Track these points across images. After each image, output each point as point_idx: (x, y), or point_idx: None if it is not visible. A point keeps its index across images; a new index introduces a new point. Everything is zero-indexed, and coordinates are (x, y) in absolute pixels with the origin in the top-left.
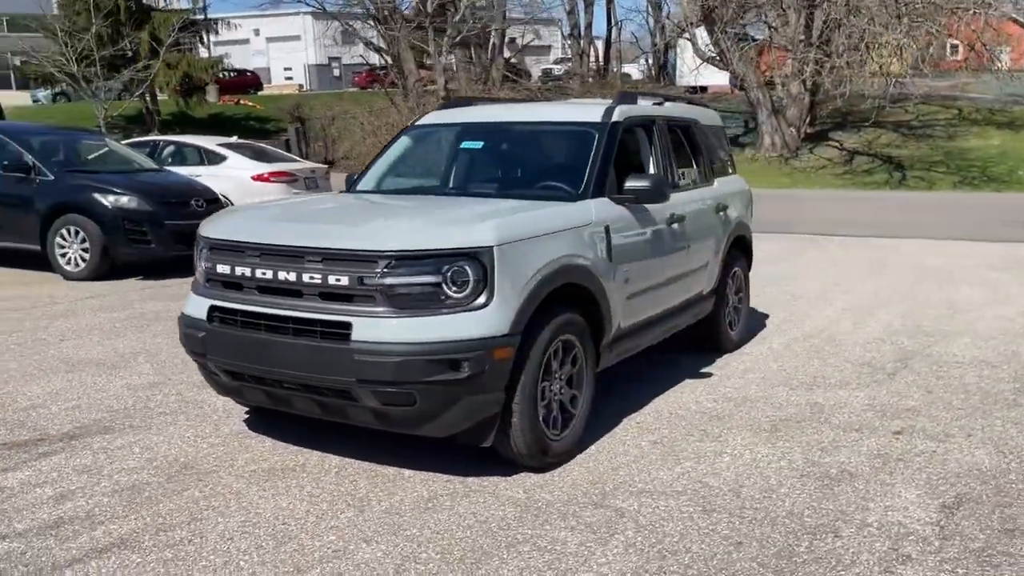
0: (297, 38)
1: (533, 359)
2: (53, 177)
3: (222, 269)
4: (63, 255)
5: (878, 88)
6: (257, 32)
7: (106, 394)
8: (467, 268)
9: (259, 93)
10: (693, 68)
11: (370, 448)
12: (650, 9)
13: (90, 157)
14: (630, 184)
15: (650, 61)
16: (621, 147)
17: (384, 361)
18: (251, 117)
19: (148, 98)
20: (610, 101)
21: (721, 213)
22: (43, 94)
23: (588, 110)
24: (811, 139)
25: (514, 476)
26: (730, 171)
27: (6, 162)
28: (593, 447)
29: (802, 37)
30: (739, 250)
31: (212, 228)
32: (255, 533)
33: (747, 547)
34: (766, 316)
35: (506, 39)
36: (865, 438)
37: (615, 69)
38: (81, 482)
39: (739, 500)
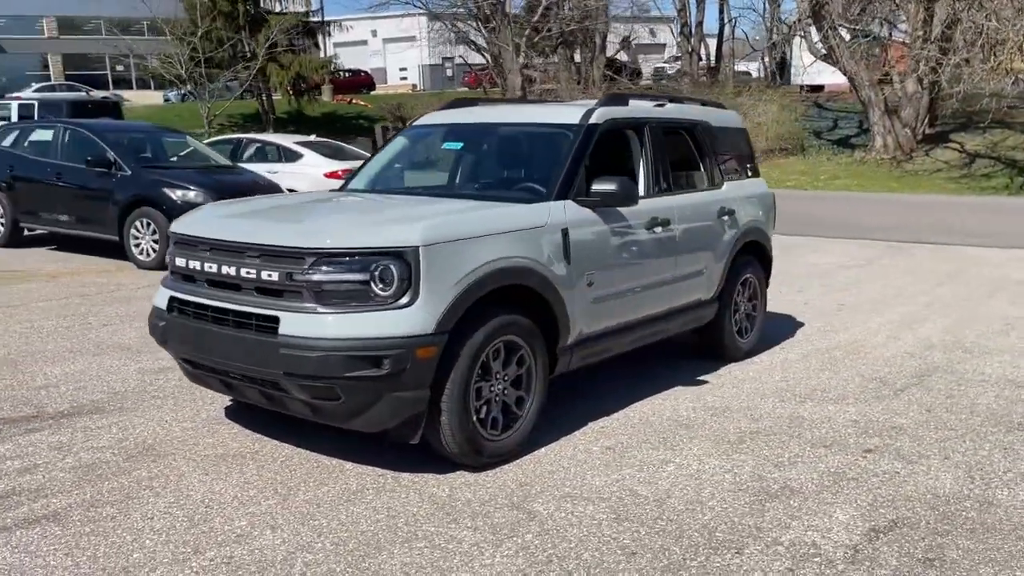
0: (412, 39)
1: (463, 359)
2: (130, 172)
3: (179, 262)
4: (136, 245)
5: (1000, 86)
6: (375, 33)
7: (115, 377)
8: (392, 267)
9: (372, 93)
10: (807, 66)
11: (332, 440)
12: (767, 4)
13: (168, 154)
14: (596, 187)
15: (766, 59)
16: (602, 149)
17: (306, 355)
18: (361, 116)
19: (264, 98)
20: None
21: (726, 218)
22: (173, 94)
23: (570, 112)
24: (930, 140)
25: (448, 474)
26: (748, 174)
27: (90, 158)
28: (544, 449)
29: (920, 33)
30: (752, 256)
31: (179, 223)
32: (175, 514)
33: (639, 558)
34: (801, 325)
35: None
36: (831, 455)
37: (728, 67)
38: (49, 457)
39: (659, 511)
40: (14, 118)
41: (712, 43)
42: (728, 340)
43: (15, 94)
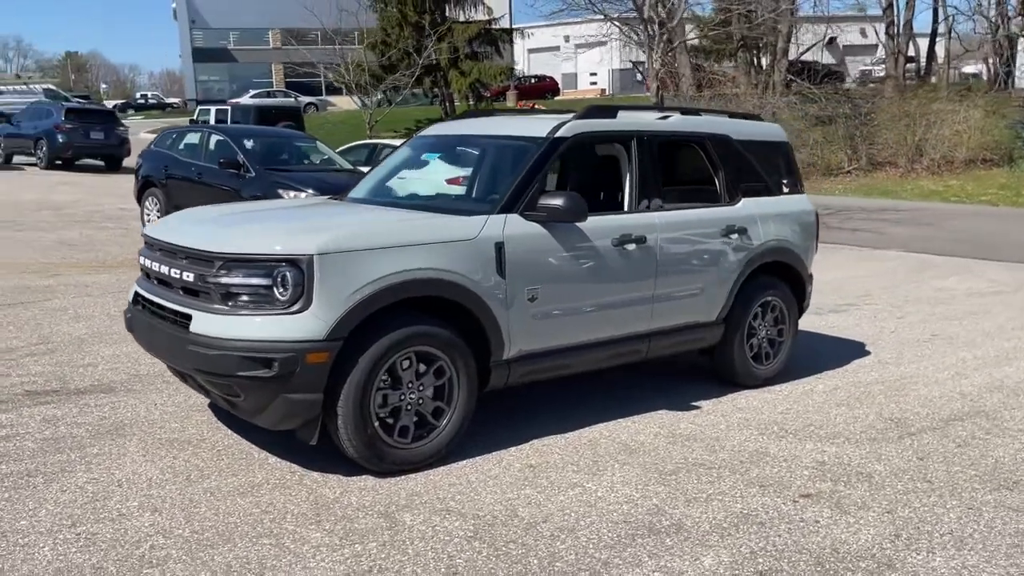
0: (603, 43)
1: (360, 366)
2: (254, 173)
3: (142, 261)
4: None
5: None
6: (567, 39)
7: (146, 361)
8: (288, 274)
9: (556, 98)
10: None
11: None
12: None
13: (297, 158)
14: (542, 202)
15: (990, 60)
16: (574, 163)
17: (208, 353)
18: None
19: (446, 104)
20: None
21: (735, 236)
22: (370, 100)
23: (543, 125)
24: None
25: (353, 477)
26: (783, 190)
27: (222, 160)
28: (466, 461)
29: None
30: (775, 277)
31: (149, 227)
32: (86, 489)
33: None
34: (866, 354)
35: (816, 37)
36: (758, 496)
37: (941, 70)
38: (33, 428)
39: (521, 534)
40: (212, 122)
41: (924, 43)
42: (740, 366)
43: (234, 99)
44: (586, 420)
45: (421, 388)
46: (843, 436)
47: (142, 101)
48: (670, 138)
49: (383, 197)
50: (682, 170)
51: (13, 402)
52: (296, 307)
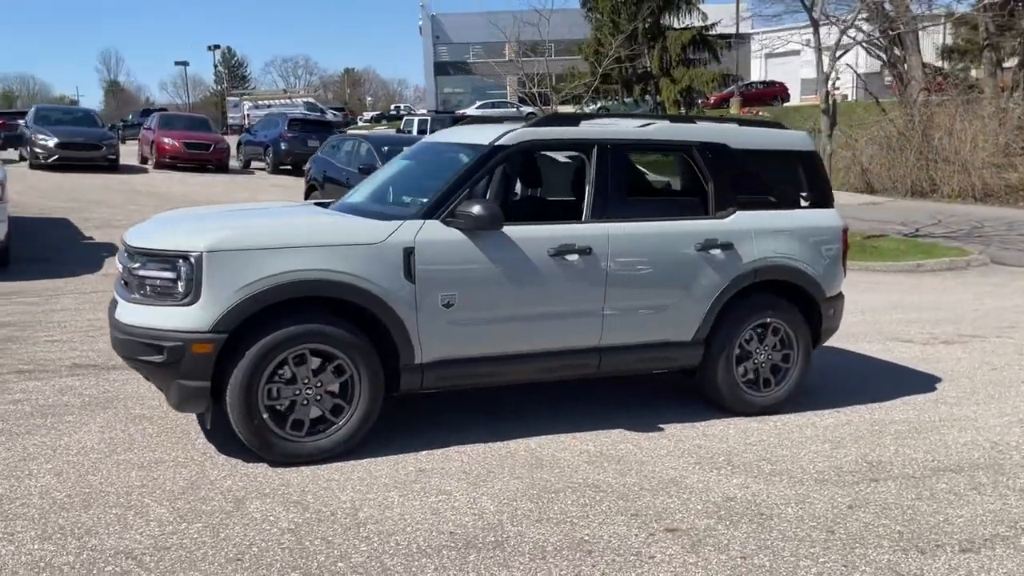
0: (848, 48)
1: (247, 359)
2: None
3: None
4: None
5: None
6: (808, 43)
7: None
8: (183, 269)
9: (784, 104)
10: None
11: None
12: None
13: None
14: (460, 209)
15: None
16: (519, 171)
17: (119, 336)
18: None
19: (659, 112)
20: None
21: (716, 251)
22: (589, 109)
23: (493, 132)
24: None
25: (250, 464)
26: (798, 203)
27: (361, 165)
28: (363, 460)
29: None
30: (779, 297)
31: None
32: (25, 448)
33: (240, 563)
34: (931, 390)
35: None
36: (620, 525)
37: None
38: (43, 395)
39: (338, 531)
40: (414, 131)
41: None
42: (727, 391)
43: (462, 110)
44: (525, 431)
45: (319, 385)
46: (790, 474)
47: (394, 112)
48: (644, 146)
49: (358, 200)
50: (661, 180)
51: (53, 372)
52: (187, 300)
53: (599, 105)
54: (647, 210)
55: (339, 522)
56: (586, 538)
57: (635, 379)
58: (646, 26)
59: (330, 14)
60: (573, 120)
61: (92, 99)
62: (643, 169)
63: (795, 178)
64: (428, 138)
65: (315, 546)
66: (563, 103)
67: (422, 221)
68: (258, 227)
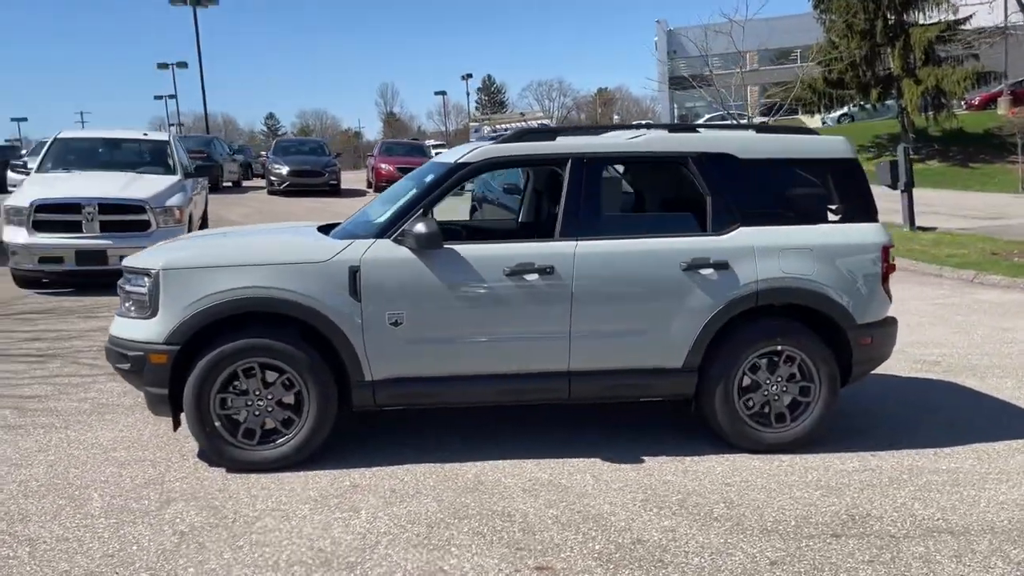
0: None
1: (197, 370)
2: None
3: None
4: None
5: None
6: None
7: None
8: (147, 285)
9: None
10: None
11: None
12: None
13: None
14: (407, 227)
15: None
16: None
17: (106, 346)
18: (993, 133)
19: (903, 117)
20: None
21: (708, 271)
22: (831, 116)
23: (467, 150)
24: None
25: (201, 467)
26: (824, 217)
27: (505, 184)
28: (306, 472)
29: None
30: (796, 322)
31: None
32: (44, 445)
33: (72, 569)
34: (1018, 438)
35: None
36: (487, 560)
37: None
38: (110, 396)
39: (177, 535)
40: None
41: None
42: (727, 425)
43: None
44: (490, 454)
45: (270, 397)
46: (737, 521)
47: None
48: (628, 159)
49: (355, 220)
50: (651, 194)
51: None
52: (148, 314)
53: (841, 112)
54: (628, 227)
55: (229, 528)
56: (445, 568)
57: (648, 405)
58: (887, 24)
59: (586, 34)
60: (548, 135)
61: (372, 129)
62: (631, 186)
63: (822, 189)
64: (437, 157)
65: (186, 550)
66: (791, 112)
67: (373, 240)
68: (216, 247)
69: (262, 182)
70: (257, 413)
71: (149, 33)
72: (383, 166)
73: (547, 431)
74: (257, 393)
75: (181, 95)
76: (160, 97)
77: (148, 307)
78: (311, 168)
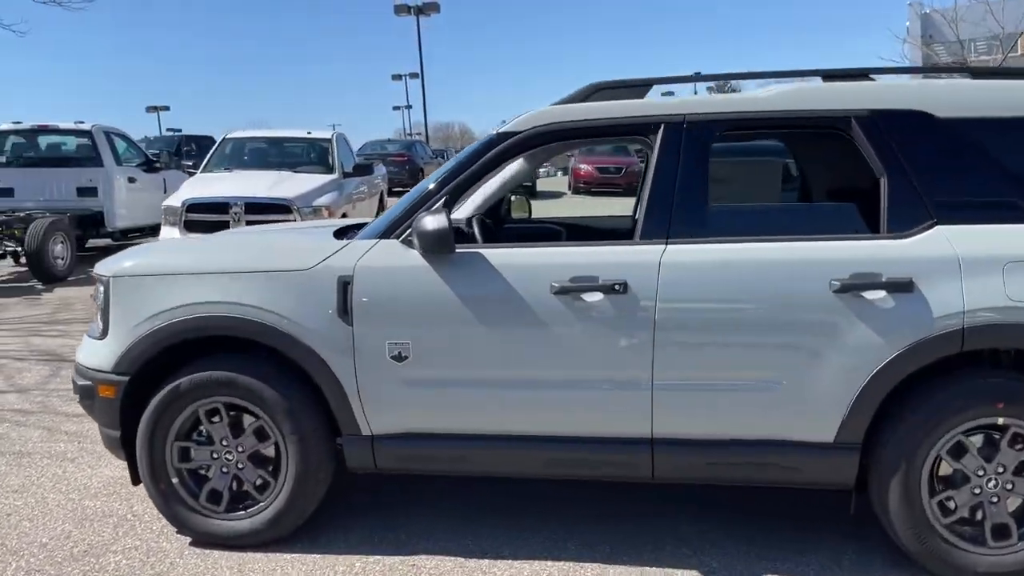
0: None
1: (149, 410)
2: None
3: None
4: None
5: None
6: None
7: None
8: (100, 297)
9: None
10: None
11: None
12: None
13: None
14: (415, 224)
15: None
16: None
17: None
18: None
19: None
20: None
21: (876, 294)
22: None
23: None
24: None
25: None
26: None
27: None
28: (270, 556)
29: None
30: None
31: None
32: (64, 455)
33: None
34: None
35: None
36: None
37: None
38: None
39: None
40: None
41: None
42: (912, 538)
43: None
44: (531, 550)
45: (240, 450)
46: None
47: None
48: (751, 123)
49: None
50: (786, 176)
51: None
52: (100, 333)
53: None
54: (748, 225)
55: None
56: None
57: (778, 490)
58: None
59: None
60: (638, 88)
61: None
62: (754, 165)
63: None
64: None
65: None
66: None
67: (375, 241)
68: (182, 249)
69: None
70: (225, 470)
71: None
72: (583, 166)
73: (616, 515)
74: (225, 443)
75: (422, 104)
76: (397, 108)
77: (100, 325)
78: None
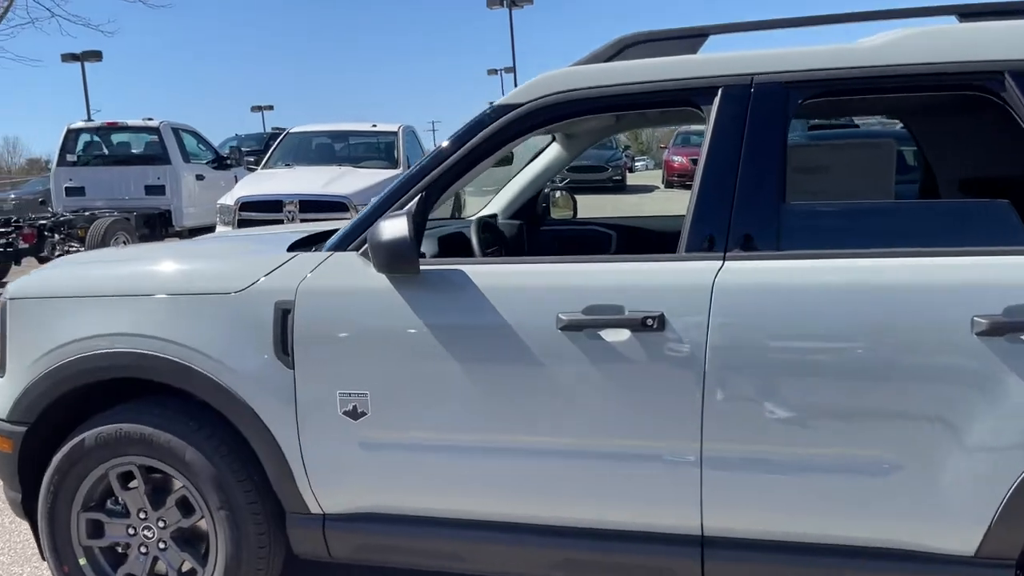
0: None
1: (49, 473)
2: None
3: None
4: None
5: None
6: None
7: None
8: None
9: None
10: None
11: None
12: None
13: None
14: (368, 231)
15: None
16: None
17: None
18: None
19: None
20: None
21: None
22: None
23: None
24: None
25: None
26: None
27: None
28: None
29: None
30: None
31: None
32: None
33: None
34: None
35: None
36: None
37: None
38: None
39: None
40: None
41: None
42: None
43: None
44: None
45: (161, 525)
46: None
47: None
48: (847, 83)
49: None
50: (899, 161)
51: None
52: (1, 369)
53: None
54: (848, 233)
55: None
56: None
57: None
58: None
59: None
60: (693, 36)
61: None
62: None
63: None
64: None
65: None
66: None
67: (327, 254)
68: (96, 261)
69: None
70: (145, 550)
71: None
72: (676, 158)
73: None
74: (143, 516)
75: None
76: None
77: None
78: (593, 163)
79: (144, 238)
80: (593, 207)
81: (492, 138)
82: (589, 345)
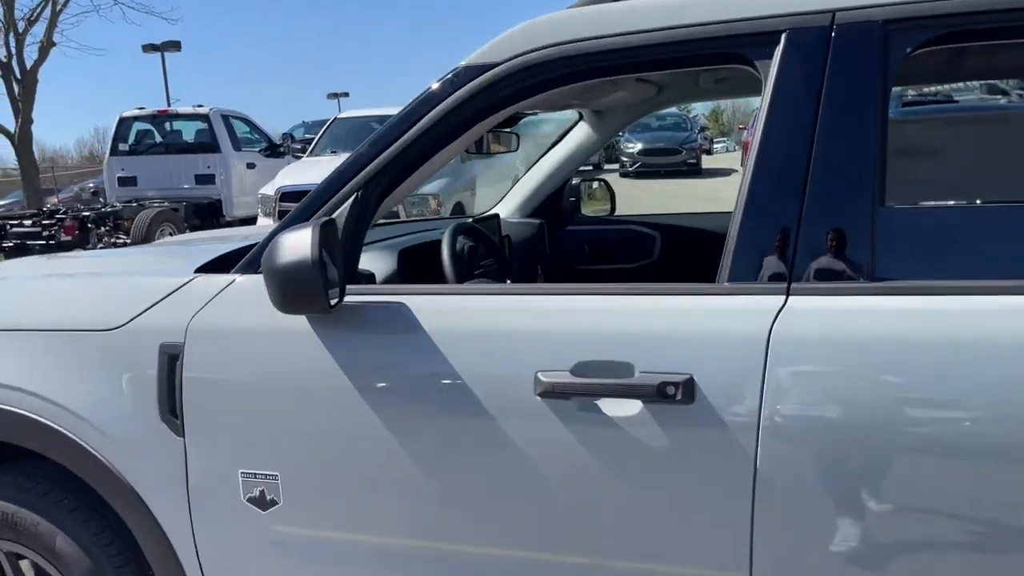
0: None
1: None
2: None
3: None
4: None
5: None
6: None
7: None
8: None
9: None
10: None
11: None
12: None
13: None
14: (265, 254)
15: None
16: None
17: None
18: None
19: None
20: None
21: None
22: None
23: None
24: None
25: None
26: None
27: None
28: None
29: None
30: None
31: None
32: None
33: None
34: None
35: None
36: None
37: None
38: None
39: None
40: None
41: None
42: None
43: None
44: None
45: None
46: None
47: None
48: (981, 26)
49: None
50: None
51: None
52: None
53: None
54: (984, 252)
55: None
56: None
57: None
58: None
59: None
60: None
61: None
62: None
63: None
64: None
65: None
66: None
67: (231, 278)
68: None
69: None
70: None
71: None
72: None
73: None
74: None
75: None
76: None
77: None
78: (665, 146)
79: (195, 228)
80: (662, 192)
81: (456, 112)
82: (579, 419)
